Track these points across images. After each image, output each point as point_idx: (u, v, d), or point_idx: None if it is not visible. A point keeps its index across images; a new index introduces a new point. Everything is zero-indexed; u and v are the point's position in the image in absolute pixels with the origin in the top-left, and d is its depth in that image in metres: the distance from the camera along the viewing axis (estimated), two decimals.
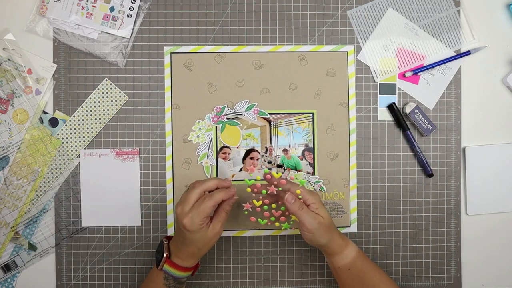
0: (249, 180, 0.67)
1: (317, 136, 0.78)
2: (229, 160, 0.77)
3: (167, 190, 0.77)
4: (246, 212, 0.68)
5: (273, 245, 0.79)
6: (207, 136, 0.77)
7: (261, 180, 0.67)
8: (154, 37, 0.77)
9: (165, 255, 0.66)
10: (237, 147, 0.78)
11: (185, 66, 0.77)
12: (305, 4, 0.78)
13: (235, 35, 0.78)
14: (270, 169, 0.77)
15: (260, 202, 0.68)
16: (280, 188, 0.67)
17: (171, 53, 0.77)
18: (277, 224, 0.69)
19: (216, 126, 0.77)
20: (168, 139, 0.77)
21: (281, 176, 0.67)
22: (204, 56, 0.77)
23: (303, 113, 0.78)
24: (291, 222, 0.69)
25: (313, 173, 0.78)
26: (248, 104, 0.78)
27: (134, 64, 0.77)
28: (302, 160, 0.78)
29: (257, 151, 0.78)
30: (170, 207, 0.78)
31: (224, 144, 0.77)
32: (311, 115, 0.78)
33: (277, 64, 0.78)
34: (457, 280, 0.80)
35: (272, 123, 0.78)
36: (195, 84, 0.77)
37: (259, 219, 0.68)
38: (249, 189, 0.68)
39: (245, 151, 0.78)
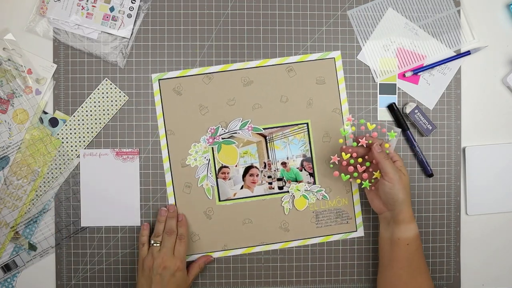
0: (344, 130, 0.70)
1: (314, 145, 0.78)
2: (229, 179, 0.78)
3: None
4: (331, 166, 0.72)
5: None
6: (205, 158, 0.77)
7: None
8: (154, 37, 0.77)
9: None
10: (236, 166, 0.78)
11: (174, 91, 0.77)
12: (305, 4, 0.78)
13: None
14: (281, 179, 0.78)
15: (348, 155, 0.70)
16: (370, 141, 0.69)
17: (159, 79, 0.77)
18: (358, 181, 0.71)
19: (212, 147, 0.77)
20: (166, 165, 0.77)
21: (375, 126, 0.70)
22: (192, 79, 0.77)
23: (297, 124, 0.78)
24: (372, 181, 0.71)
25: (314, 183, 0.78)
26: (241, 121, 0.78)
27: (134, 64, 0.77)
28: (301, 171, 0.78)
29: (256, 167, 0.78)
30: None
31: (222, 164, 0.77)
32: (306, 125, 0.78)
33: (266, 78, 0.78)
34: (457, 280, 0.80)
35: (267, 137, 0.78)
36: (187, 108, 0.77)
37: (342, 174, 0.70)
38: (341, 140, 0.71)
39: (244, 168, 0.78)
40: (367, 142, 0.69)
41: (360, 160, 0.70)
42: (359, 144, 0.70)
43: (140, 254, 0.73)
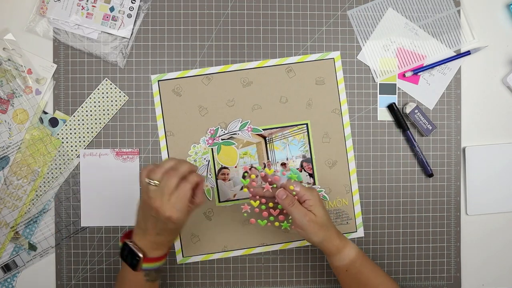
0: (244, 179, 0.68)
1: (314, 146, 0.78)
2: (229, 180, 0.77)
3: None
4: (245, 214, 0.69)
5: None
6: (204, 159, 0.77)
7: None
8: (154, 37, 0.77)
9: (141, 256, 0.62)
10: (235, 167, 0.77)
11: (173, 92, 0.77)
12: (305, 4, 0.78)
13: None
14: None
15: (258, 202, 0.68)
16: (275, 185, 0.67)
17: (158, 81, 0.77)
18: (276, 224, 0.69)
19: (212, 148, 0.77)
20: None
21: (273, 172, 0.67)
22: (191, 80, 0.77)
23: (297, 125, 0.78)
24: (290, 221, 0.69)
25: (314, 183, 0.78)
26: (241, 122, 0.78)
27: (134, 64, 0.77)
28: (301, 171, 0.78)
29: (255, 168, 0.77)
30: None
31: (222, 165, 0.77)
32: (305, 125, 0.78)
33: (265, 79, 0.78)
34: (457, 280, 0.80)
35: (267, 138, 0.78)
36: (186, 109, 0.77)
37: (259, 220, 0.69)
38: (245, 189, 0.68)
39: (243, 169, 0.78)
40: (271, 186, 0.67)
41: (271, 204, 0.68)
42: (264, 191, 0.67)
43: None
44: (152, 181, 0.60)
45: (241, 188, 0.77)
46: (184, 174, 0.61)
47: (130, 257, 0.63)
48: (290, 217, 0.67)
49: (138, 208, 0.64)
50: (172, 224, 0.60)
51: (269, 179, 0.67)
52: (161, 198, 0.59)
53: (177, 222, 0.60)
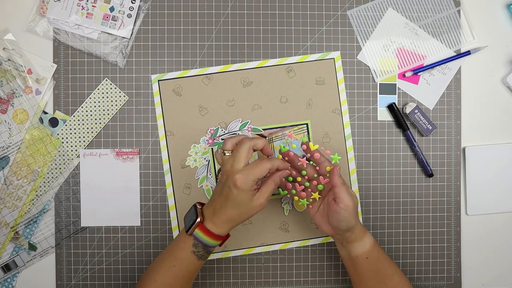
0: (284, 147, 0.67)
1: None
2: None
3: (171, 216, 0.78)
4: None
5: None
6: (204, 159, 0.77)
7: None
8: (154, 37, 0.77)
9: (198, 219, 0.62)
10: None
11: (174, 92, 0.77)
12: (305, 4, 0.78)
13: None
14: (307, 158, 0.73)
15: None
16: (311, 162, 0.67)
17: (158, 80, 0.77)
18: (296, 198, 0.68)
19: (212, 148, 0.77)
20: (166, 166, 0.77)
21: (317, 148, 0.66)
22: (191, 80, 0.77)
23: (297, 125, 0.78)
24: (310, 200, 0.68)
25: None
26: (241, 122, 0.78)
27: (134, 64, 0.77)
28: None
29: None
30: (176, 233, 0.78)
31: None
32: (305, 125, 0.78)
33: (265, 79, 0.78)
34: (457, 280, 0.80)
35: (267, 138, 0.78)
36: (186, 108, 0.77)
37: (280, 189, 0.69)
38: (280, 156, 0.67)
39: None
40: (307, 163, 0.66)
41: (299, 179, 0.68)
42: (298, 164, 0.66)
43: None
44: (225, 150, 0.64)
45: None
46: (257, 146, 0.63)
47: (189, 219, 0.64)
48: (312, 197, 0.67)
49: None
50: (236, 190, 0.60)
51: (308, 155, 0.66)
52: (233, 164, 0.61)
53: (241, 188, 0.60)
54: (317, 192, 0.67)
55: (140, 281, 0.66)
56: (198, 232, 0.62)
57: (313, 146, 0.66)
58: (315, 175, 0.67)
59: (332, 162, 0.66)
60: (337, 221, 0.65)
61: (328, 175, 0.66)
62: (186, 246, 0.63)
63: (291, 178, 0.68)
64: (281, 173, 0.64)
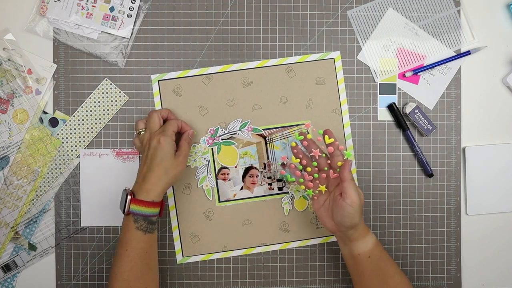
0: (299, 135, 0.69)
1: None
2: (229, 180, 0.77)
3: (171, 216, 0.78)
4: (279, 163, 0.71)
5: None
6: (204, 159, 0.77)
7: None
8: (154, 37, 0.77)
9: (129, 197, 0.65)
10: (235, 167, 0.77)
11: (174, 92, 0.77)
12: (305, 4, 0.78)
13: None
14: (280, 180, 0.77)
15: (298, 160, 0.69)
16: (324, 154, 0.67)
17: (158, 80, 0.77)
18: (302, 187, 0.69)
19: (212, 148, 0.77)
20: None
21: (333, 142, 0.67)
22: (191, 80, 0.77)
23: (297, 125, 0.78)
24: (316, 192, 0.69)
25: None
26: (241, 122, 0.78)
27: (134, 64, 0.77)
28: (301, 171, 0.78)
29: (255, 168, 0.77)
30: (176, 233, 0.78)
31: (222, 165, 0.77)
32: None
33: (265, 79, 0.78)
34: (457, 280, 0.80)
35: (267, 138, 0.78)
36: (186, 108, 0.77)
37: (288, 175, 0.70)
38: (294, 143, 0.69)
39: (243, 169, 0.77)
40: (320, 155, 0.67)
41: (309, 169, 0.69)
42: (311, 154, 0.68)
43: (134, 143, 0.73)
44: (139, 130, 0.71)
45: (241, 188, 0.77)
46: (162, 114, 0.72)
47: (122, 202, 0.67)
48: (318, 189, 0.68)
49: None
50: (160, 146, 0.67)
51: (322, 147, 0.68)
52: (149, 132, 0.69)
53: (163, 141, 0.67)
54: (324, 186, 0.68)
55: (109, 280, 0.67)
56: (133, 206, 0.65)
57: (328, 140, 0.67)
58: (325, 168, 0.68)
59: (344, 158, 0.67)
60: (342, 216, 0.65)
61: (338, 170, 0.66)
62: (128, 227, 0.66)
63: (301, 167, 0.69)
64: (188, 132, 0.72)
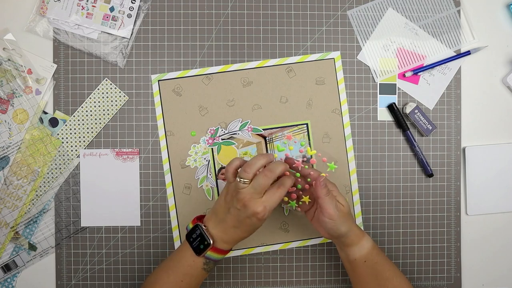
0: (281, 147, 0.68)
1: (314, 146, 0.78)
2: None
3: (171, 216, 0.77)
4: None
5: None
6: (204, 159, 0.77)
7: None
8: (154, 37, 0.77)
9: (211, 242, 0.63)
10: None
11: (174, 92, 0.77)
12: (305, 4, 0.78)
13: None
14: None
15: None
16: (306, 167, 0.67)
17: (158, 80, 0.77)
18: (285, 198, 0.68)
19: (212, 148, 0.77)
20: (166, 166, 0.77)
21: (315, 154, 0.67)
22: (191, 80, 0.77)
23: (297, 125, 0.78)
24: (300, 203, 0.69)
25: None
26: (241, 122, 0.78)
27: (134, 64, 0.77)
28: None
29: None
30: (176, 233, 0.78)
31: (222, 165, 0.77)
32: (305, 125, 0.78)
33: (265, 79, 0.78)
34: (457, 280, 0.80)
35: (267, 138, 0.78)
36: (186, 108, 0.77)
37: None
38: (276, 155, 0.68)
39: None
40: (302, 166, 0.66)
41: None
42: (293, 166, 0.66)
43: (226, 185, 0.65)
44: (243, 179, 0.61)
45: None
46: (279, 175, 0.63)
47: (197, 241, 0.64)
48: (302, 200, 0.67)
49: (220, 196, 0.65)
50: (255, 220, 0.62)
51: (305, 158, 0.67)
52: (252, 195, 0.61)
53: (262, 219, 0.62)
54: (307, 197, 0.68)
55: None
56: (210, 253, 0.64)
57: (310, 151, 0.66)
58: (309, 180, 0.67)
59: (327, 170, 0.67)
60: (326, 228, 0.66)
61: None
62: (195, 264, 0.65)
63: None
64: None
